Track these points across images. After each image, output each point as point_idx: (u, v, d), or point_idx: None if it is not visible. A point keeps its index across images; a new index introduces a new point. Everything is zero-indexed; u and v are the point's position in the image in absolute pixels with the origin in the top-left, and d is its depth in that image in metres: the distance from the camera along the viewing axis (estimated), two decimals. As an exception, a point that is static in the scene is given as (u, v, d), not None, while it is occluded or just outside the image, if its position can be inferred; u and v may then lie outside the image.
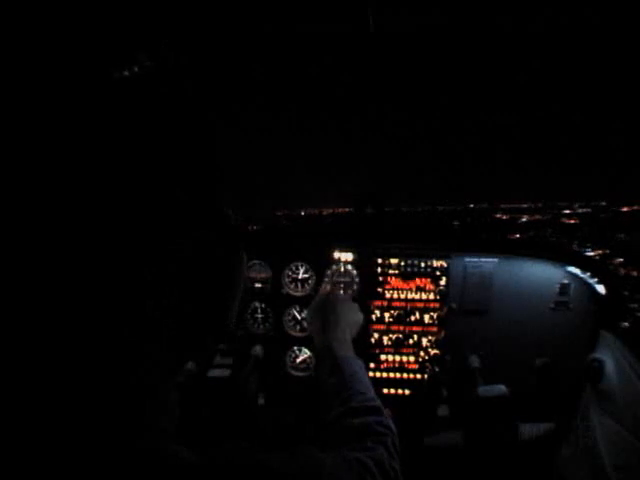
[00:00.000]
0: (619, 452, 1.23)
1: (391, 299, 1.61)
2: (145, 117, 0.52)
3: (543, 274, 1.53)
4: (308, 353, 1.67)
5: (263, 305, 1.65)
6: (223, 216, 0.61)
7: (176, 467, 0.44)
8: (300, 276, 1.63)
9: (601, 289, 1.46)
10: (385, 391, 1.64)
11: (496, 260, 1.54)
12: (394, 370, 1.64)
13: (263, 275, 1.63)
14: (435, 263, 1.57)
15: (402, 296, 1.60)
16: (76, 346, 0.45)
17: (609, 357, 1.35)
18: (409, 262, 1.59)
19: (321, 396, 0.93)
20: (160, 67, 0.58)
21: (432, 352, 1.60)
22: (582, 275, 1.49)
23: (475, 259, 1.54)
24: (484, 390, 1.41)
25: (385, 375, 1.64)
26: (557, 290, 1.52)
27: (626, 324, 1.38)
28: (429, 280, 1.58)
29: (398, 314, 1.61)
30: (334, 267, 1.62)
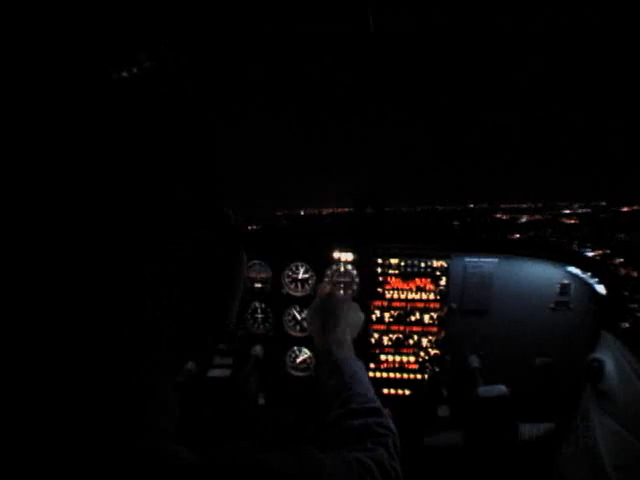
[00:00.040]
0: (619, 452, 1.23)
1: (391, 299, 1.61)
2: (145, 117, 0.52)
3: (543, 274, 1.53)
4: (308, 353, 1.67)
5: (263, 305, 1.65)
6: (223, 216, 0.61)
7: (176, 467, 0.44)
8: (300, 276, 1.63)
9: (601, 289, 1.46)
10: (385, 391, 1.64)
11: (496, 260, 1.54)
12: (394, 370, 1.64)
13: (263, 275, 1.63)
14: (435, 263, 1.57)
15: (402, 296, 1.60)
16: (76, 346, 0.45)
17: (609, 357, 1.35)
18: (409, 262, 1.59)
19: (321, 396, 0.93)
20: (160, 67, 0.58)
21: (432, 352, 1.60)
22: (582, 275, 1.49)
23: (475, 259, 1.54)
24: (484, 390, 1.41)
25: (385, 375, 1.64)
26: (557, 290, 1.52)
27: (626, 324, 1.38)
28: (429, 280, 1.58)
29: (398, 314, 1.61)
30: (334, 267, 1.62)
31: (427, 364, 1.60)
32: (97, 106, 0.49)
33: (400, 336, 1.61)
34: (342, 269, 1.62)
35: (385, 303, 1.62)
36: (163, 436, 0.48)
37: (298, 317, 1.66)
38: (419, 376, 1.62)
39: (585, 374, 1.38)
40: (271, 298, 1.64)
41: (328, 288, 1.27)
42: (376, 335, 1.63)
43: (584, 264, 1.49)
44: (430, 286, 1.58)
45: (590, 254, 1.60)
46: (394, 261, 1.60)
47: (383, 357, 1.64)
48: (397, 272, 1.60)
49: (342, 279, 1.62)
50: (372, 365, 1.64)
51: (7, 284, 0.43)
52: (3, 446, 0.41)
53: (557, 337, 1.53)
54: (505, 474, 1.54)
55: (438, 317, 1.59)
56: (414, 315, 1.60)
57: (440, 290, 1.57)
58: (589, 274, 1.48)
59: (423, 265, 1.58)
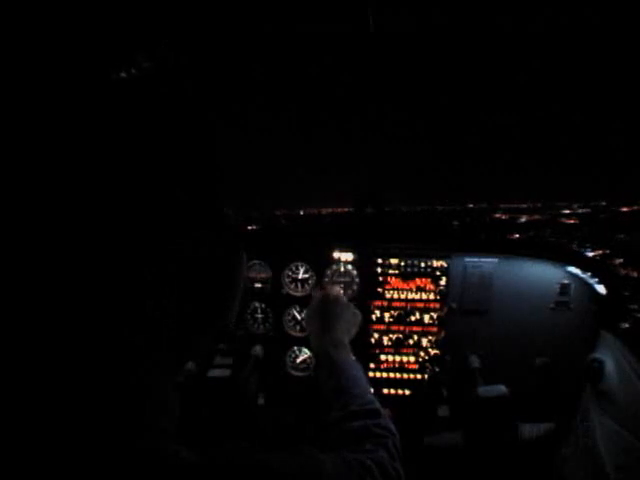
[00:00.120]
0: (619, 452, 1.23)
1: (391, 299, 1.61)
2: (145, 117, 0.52)
3: (543, 274, 1.53)
4: (308, 353, 1.67)
5: (263, 305, 1.65)
6: (223, 216, 0.61)
7: (176, 467, 0.44)
8: (300, 276, 1.63)
9: (601, 289, 1.46)
10: (385, 391, 1.64)
11: (496, 260, 1.54)
12: (394, 370, 1.64)
13: (263, 275, 1.63)
14: (435, 263, 1.57)
15: (402, 296, 1.60)
16: (76, 346, 0.45)
17: (609, 357, 1.35)
18: (409, 262, 1.59)
19: (321, 397, 0.93)
20: (160, 67, 0.58)
21: (432, 352, 1.60)
22: (582, 275, 1.49)
23: (475, 259, 1.54)
24: (484, 390, 1.41)
25: (385, 375, 1.64)
26: (557, 290, 1.52)
27: (626, 324, 1.38)
28: (429, 280, 1.58)
29: (398, 314, 1.61)
30: (334, 267, 1.62)
31: (427, 364, 1.60)
32: (97, 106, 0.49)
33: (400, 336, 1.61)
34: (342, 269, 1.62)
35: (385, 303, 1.62)
36: (163, 436, 0.48)
37: (298, 317, 1.66)
38: (419, 376, 1.62)
39: (585, 374, 1.38)
40: (271, 298, 1.64)
41: (326, 289, 1.27)
42: (376, 335, 1.63)
43: (584, 264, 1.49)
44: (430, 286, 1.58)
45: (590, 254, 1.60)
46: (394, 261, 1.60)
47: (383, 357, 1.64)
48: (397, 272, 1.60)
49: (342, 279, 1.62)
50: (372, 365, 1.64)
51: (7, 284, 0.43)
52: (3, 446, 0.41)
53: (557, 337, 1.53)
54: (505, 474, 1.54)
55: (438, 317, 1.59)
56: (414, 315, 1.60)
57: (440, 290, 1.57)
58: (589, 274, 1.48)
59: (423, 265, 1.58)
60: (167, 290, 0.51)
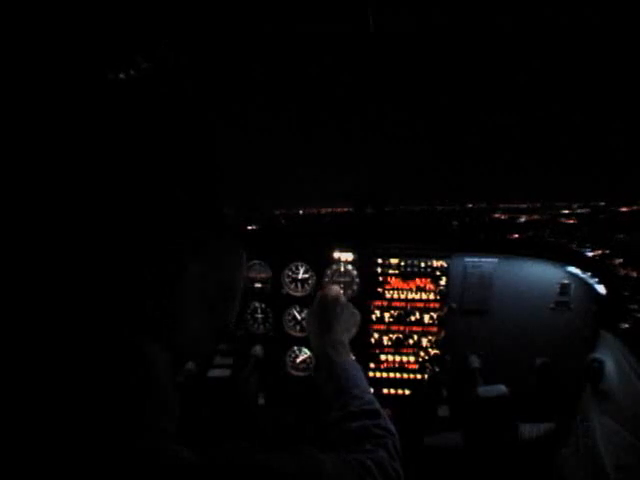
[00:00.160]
0: (619, 452, 1.23)
1: (391, 299, 1.61)
2: (145, 118, 0.52)
3: (543, 274, 1.53)
4: (308, 353, 1.67)
5: (263, 305, 1.65)
6: (223, 216, 0.61)
7: (176, 467, 0.44)
8: (300, 276, 1.63)
9: (601, 289, 1.46)
10: (385, 391, 1.64)
11: (496, 260, 1.54)
12: (394, 370, 1.64)
13: (263, 275, 1.63)
14: (435, 263, 1.57)
15: (402, 296, 1.60)
16: (76, 346, 0.45)
17: (609, 357, 1.35)
18: (409, 262, 1.59)
19: (321, 397, 0.93)
20: (160, 67, 0.58)
21: (432, 352, 1.60)
22: (582, 275, 1.49)
23: (475, 259, 1.54)
24: (484, 390, 1.41)
25: (385, 375, 1.64)
26: (557, 290, 1.52)
27: (626, 324, 1.38)
28: (429, 280, 1.58)
29: (398, 314, 1.61)
30: (334, 267, 1.62)
31: (427, 364, 1.60)
32: (97, 107, 0.49)
33: (400, 336, 1.61)
34: (342, 269, 1.62)
35: (385, 303, 1.62)
36: (163, 436, 0.48)
37: (298, 317, 1.66)
38: (419, 376, 1.62)
39: (585, 374, 1.38)
40: (271, 298, 1.64)
41: (324, 289, 1.27)
42: (376, 335, 1.63)
43: (584, 264, 1.49)
44: (430, 286, 1.58)
45: (590, 254, 1.60)
46: (394, 261, 1.60)
47: (383, 357, 1.64)
48: (397, 272, 1.60)
49: (342, 279, 1.62)
50: (372, 365, 1.64)
51: (8, 284, 0.43)
52: (3, 446, 0.41)
53: (557, 337, 1.53)
54: (505, 474, 1.54)
55: (438, 317, 1.59)
56: (414, 315, 1.60)
57: (440, 290, 1.57)
58: (589, 274, 1.48)
59: (423, 265, 1.58)
60: (167, 290, 0.51)
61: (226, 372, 1.58)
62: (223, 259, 0.60)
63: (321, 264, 1.62)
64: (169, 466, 0.44)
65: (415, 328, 1.61)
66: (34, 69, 0.48)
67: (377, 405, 0.85)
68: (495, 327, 1.56)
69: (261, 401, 1.64)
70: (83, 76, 0.49)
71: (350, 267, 1.62)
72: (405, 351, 1.63)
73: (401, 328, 1.62)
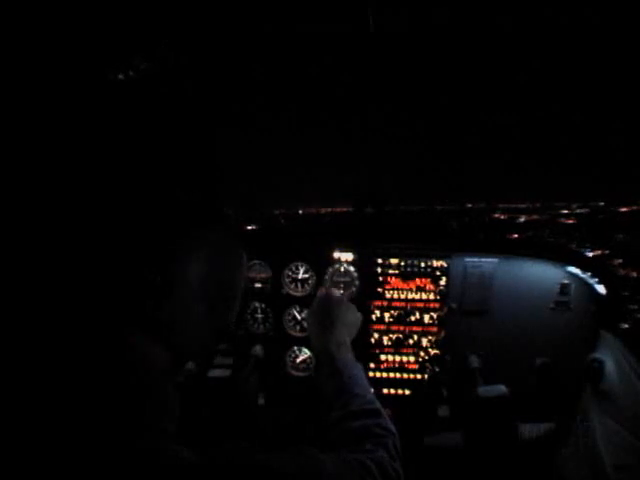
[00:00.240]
0: (619, 452, 1.23)
1: (391, 299, 1.61)
2: (145, 118, 0.52)
3: (543, 274, 1.53)
4: (308, 353, 1.67)
5: (263, 305, 1.65)
6: (223, 216, 0.61)
7: (176, 467, 0.44)
8: (300, 276, 1.63)
9: (601, 289, 1.46)
10: (385, 391, 1.64)
11: (496, 260, 1.54)
12: (394, 370, 1.64)
13: (263, 275, 1.63)
14: (435, 263, 1.57)
15: (402, 296, 1.60)
16: (77, 346, 0.45)
17: (609, 357, 1.35)
18: (409, 262, 1.59)
19: (321, 397, 0.93)
20: (160, 68, 0.58)
21: (432, 352, 1.60)
22: (582, 275, 1.49)
23: (475, 259, 1.54)
24: (484, 390, 1.41)
25: (385, 375, 1.64)
26: (557, 290, 1.52)
27: (626, 325, 1.38)
28: (429, 280, 1.58)
29: (398, 314, 1.61)
30: (334, 267, 1.62)
31: (427, 364, 1.60)
32: (98, 107, 0.49)
33: (400, 336, 1.61)
34: (342, 269, 1.62)
35: (385, 303, 1.62)
36: (163, 436, 0.48)
37: (298, 317, 1.65)
38: (419, 376, 1.62)
39: (585, 374, 1.38)
40: (271, 298, 1.64)
41: (324, 290, 1.27)
42: (376, 335, 1.63)
43: (584, 264, 1.49)
44: (430, 286, 1.58)
45: (589, 254, 1.60)
46: (394, 261, 1.60)
47: (383, 357, 1.64)
48: (397, 272, 1.60)
49: (342, 279, 1.62)
50: (372, 365, 1.64)
51: (8, 284, 0.43)
52: (4, 446, 0.41)
53: (557, 337, 1.53)
54: (505, 474, 1.54)
55: (438, 317, 1.59)
56: (414, 315, 1.60)
57: (440, 290, 1.57)
58: (589, 274, 1.48)
59: (423, 265, 1.58)
60: (167, 290, 0.51)
61: (226, 372, 1.58)
62: (223, 259, 0.60)
63: (321, 264, 1.62)
64: (169, 466, 0.44)
65: (415, 328, 1.61)
66: (35, 70, 0.48)
67: (378, 404, 0.85)
68: (495, 327, 1.56)
69: (261, 401, 1.64)
70: (83, 76, 0.49)
71: (350, 267, 1.62)
72: (405, 351, 1.63)
73: (401, 328, 1.62)
